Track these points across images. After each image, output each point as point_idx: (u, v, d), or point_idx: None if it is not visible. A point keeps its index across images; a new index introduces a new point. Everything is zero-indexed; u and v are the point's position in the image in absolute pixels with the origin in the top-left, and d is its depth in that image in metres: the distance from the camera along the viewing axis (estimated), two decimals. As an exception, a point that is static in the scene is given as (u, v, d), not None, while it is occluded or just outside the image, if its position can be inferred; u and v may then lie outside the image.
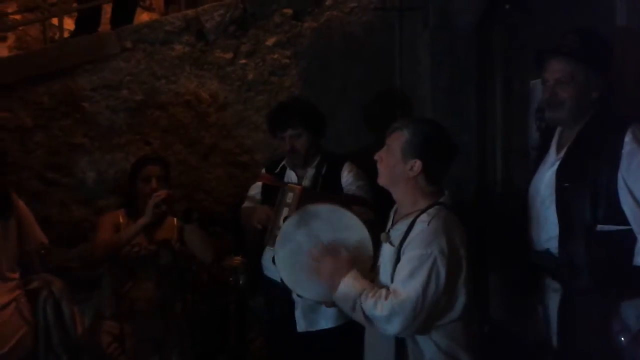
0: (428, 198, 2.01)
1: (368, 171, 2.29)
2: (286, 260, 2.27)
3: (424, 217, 1.95)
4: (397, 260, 1.95)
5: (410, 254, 1.90)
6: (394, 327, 1.89)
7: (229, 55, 3.62)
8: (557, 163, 2.16)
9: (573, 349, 2.07)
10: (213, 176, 3.58)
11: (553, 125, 2.29)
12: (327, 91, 3.66)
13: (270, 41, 3.67)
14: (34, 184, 3.29)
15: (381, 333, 1.97)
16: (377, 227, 2.25)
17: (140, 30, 3.52)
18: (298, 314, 2.69)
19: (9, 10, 4.86)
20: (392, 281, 1.95)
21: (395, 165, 2.01)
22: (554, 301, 2.14)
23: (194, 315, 3.04)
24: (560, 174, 2.13)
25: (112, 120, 3.42)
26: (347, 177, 2.80)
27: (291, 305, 2.68)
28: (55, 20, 4.13)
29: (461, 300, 1.91)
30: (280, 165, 2.93)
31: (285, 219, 2.43)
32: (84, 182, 3.37)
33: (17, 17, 4.90)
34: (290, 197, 2.55)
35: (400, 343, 1.95)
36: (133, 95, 3.46)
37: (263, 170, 3.02)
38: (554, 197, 2.13)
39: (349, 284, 1.98)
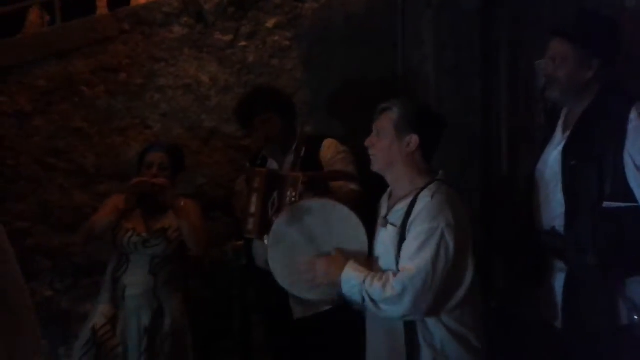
0: (425, 176, 2.00)
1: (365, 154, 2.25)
2: (280, 261, 2.19)
3: (425, 192, 1.94)
4: (401, 240, 1.92)
5: (417, 229, 1.88)
6: (405, 306, 1.86)
7: (229, 38, 3.56)
8: (563, 142, 2.17)
9: (578, 327, 2.05)
10: (213, 160, 3.54)
11: (560, 106, 2.29)
12: (329, 74, 3.60)
13: (271, 23, 3.61)
14: (34, 169, 3.27)
15: (388, 320, 1.94)
16: (365, 198, 2.17)
17: (138, 12, 3.46)
18: (292, 301, 2.65)
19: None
20: (396, 263, 1.93)
21: (391, 145, 2.00)
22: (559, 282, 2.13)
23: (196, 301, 3.03)
24: (566, 153, 2.13)
25: (111, 104, 3.38)
26: (326, 153, 2.76)
27: (285, 293, 2.64)
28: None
29: (469, 274, 1.90)
30: (261, 156, 2.90)
31: (255, 205, 2.42)
32: (83, 167, 3.34)
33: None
34: (257, 181, 2.54)
35: (410, 328, 1.92)
36: (132, 79, 3.41)
37: (247, 165, 3.00)
38: (560, 176, 2.13)
39: (350, 276, 1.95)
